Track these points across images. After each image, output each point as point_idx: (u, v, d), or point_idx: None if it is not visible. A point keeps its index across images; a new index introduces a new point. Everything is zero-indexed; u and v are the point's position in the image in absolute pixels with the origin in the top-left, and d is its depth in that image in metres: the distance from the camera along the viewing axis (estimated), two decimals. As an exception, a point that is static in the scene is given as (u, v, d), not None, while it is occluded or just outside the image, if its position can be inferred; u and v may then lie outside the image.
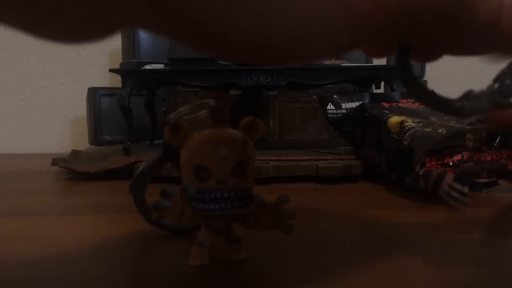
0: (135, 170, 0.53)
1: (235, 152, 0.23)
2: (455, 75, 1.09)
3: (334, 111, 0.63)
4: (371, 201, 0.44)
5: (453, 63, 1.02)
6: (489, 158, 0.43)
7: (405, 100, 0.57)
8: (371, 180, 0.53)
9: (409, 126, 0.46)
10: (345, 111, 0.62)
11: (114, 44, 1.06)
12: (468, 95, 0.21)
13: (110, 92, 0.86)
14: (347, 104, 0.63)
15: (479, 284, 0.22)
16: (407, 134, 0.45)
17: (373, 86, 0.77)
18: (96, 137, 0.85)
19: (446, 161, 0.42)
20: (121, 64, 0.90)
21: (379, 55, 0.21)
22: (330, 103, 0.63)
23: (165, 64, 0.74)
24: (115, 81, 0.95)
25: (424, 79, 0.92)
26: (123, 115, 0.66)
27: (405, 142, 0.45)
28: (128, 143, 0.64)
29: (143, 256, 0.28)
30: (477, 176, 0.40)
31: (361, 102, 0.59)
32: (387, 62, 0.93)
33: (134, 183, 0.28)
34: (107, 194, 0.49)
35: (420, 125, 0.46)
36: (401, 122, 0.47)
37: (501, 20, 0.17)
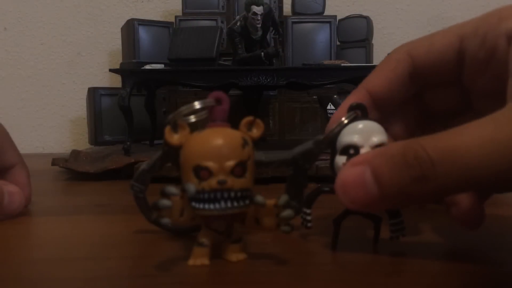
0: (135, 170, 0.53)
1: (235, 152, 0.23)
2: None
3: (334, 111, 0.63)
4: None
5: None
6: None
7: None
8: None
9: (409, 126, 0.46)
10: (345, 111, 0.62)
11: (114, 44, 1.06)
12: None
13: (110, 92, 0.86)
14: (347, 104, 0.63)
15: (481, 284, 0.22)
16: (407, 134, 0.45)
17: (373, 86, 0.77)
18: (96, 137, 0.85)
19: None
20: (121, 64, 0.90)
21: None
22: (330, 103, 0.63)
23: (165, 64, 0.74)
24: (115, 81, 0.95)
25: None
26: (123, 115, 0.66)
27: (405, 142, 0.45)
28: (128, 143, 0.64)
29: (143, 256, 0.28)
30: None
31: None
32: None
33: (135, 182, 0.28)
34: (107, 194, 0.49)
35: (420, 125, 0.46)
36: (401, 122, 0.47)
37: None
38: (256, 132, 0.25)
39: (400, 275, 0.23)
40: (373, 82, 0.27)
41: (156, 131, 0.77)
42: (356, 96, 0.28)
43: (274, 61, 0.74)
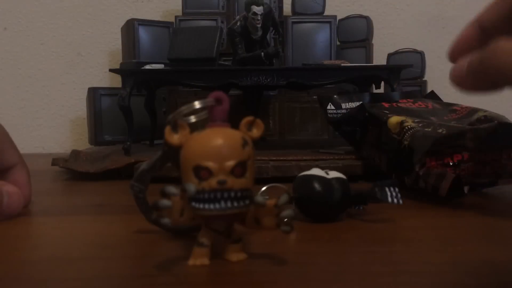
0: (135, 170, 0.53)
1: (235, 152, 0.23)
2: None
3: (334, 111, 0.63)
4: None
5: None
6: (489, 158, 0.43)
7: (405, 100, 0.57)
8: (371, 180, 0.53)
9: (409, 126, 0.46)
10: (345, 111, 0.62)
11: (114, 44, 1.06)
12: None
13: (110, 92, 0.86)
14: (347, 104, 0.63)
15: (480, 285, 0.22)
16: (407, 134, 0.45)
17: (373, 86, 0.77)
18: (96, 137, 0.85)
19: (446, 161, 0.42)
20: (121, 64, 0.90)
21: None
22: (330, 103, 0.63)
23: (165, 64, 0.74)
24: (115, 81, 0.95)
25: (424, 79, 0.92)
26: (123, 115, 0.66)
27: (405, 142, 0.45)
28: (128, 143, 0.64)
29: (143, 256, 0.28)
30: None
31: (361, 102, 0.59)
32: (387, 62, 0.93)
33: (135, 182, 0.28)
34: (107, 194, 0.49)
35: (420, 125, 0.46)
36: (401, 122, 0.47)
37: None
38: (256, 132, 0.25)
39: (400, 275, 0.23)
40: (484, 16, 0.27)
41: (156, 131, 0.77)
42: (469, 28, 0.27)
43: (274, 61, 0.74)
